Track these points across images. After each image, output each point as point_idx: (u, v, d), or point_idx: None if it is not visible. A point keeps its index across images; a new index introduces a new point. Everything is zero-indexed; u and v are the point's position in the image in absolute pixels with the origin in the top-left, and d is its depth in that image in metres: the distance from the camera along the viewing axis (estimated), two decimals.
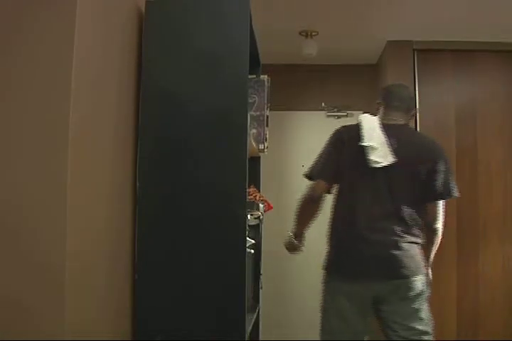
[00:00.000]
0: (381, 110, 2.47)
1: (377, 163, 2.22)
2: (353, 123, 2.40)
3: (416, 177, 2.28)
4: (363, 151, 2.24)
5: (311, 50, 3.78)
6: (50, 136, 1.39)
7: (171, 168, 1.88)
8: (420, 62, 3.92)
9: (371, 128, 2.30)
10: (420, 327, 2.29)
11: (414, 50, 3.92)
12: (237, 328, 1.84)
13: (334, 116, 4.52)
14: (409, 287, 2.23)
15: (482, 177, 3.80)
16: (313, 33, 3.77)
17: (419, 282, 2.26)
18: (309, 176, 2.40)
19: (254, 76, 2.55)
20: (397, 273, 2.21)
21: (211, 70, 1.90)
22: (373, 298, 2.27)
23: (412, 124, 3.83)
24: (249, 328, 2.05)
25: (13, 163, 1.39)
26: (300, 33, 3.79)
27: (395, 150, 2.25)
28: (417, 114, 3.86)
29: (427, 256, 2.39)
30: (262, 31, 2.60)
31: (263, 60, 2.66)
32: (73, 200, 1.41)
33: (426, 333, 2.31)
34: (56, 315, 1.36)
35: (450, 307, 3.73)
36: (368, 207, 2.27)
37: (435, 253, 2.47)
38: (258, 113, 2.53)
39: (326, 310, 2.35)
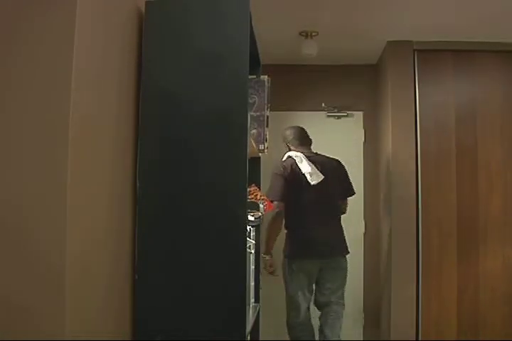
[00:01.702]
0: (293, 147, 3.61)
1: (314, 181, 3.39)
2: (289, 159, 3.50)
3: (335, 185, 3.54)
4: (303, 176, 3.40)
5: (311, 51, 3.77)
6: (50, 136, 1.39)
7: (171, 168, 1.88)
8: (420, 63, 3.91)
9: (301, 161, 3.44)
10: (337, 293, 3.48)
11: (414, 50, 3.91)
12: (237, 328, 1.84)
13: (334, 116, 4.51)
14: (337, 262, 3.46)
15: (482, 177, 3.80)
16: (313, 34, 3.77)
17: (344, 260, 3.50)
18: (271, 200, 3.18)
19: (255, 76, 2.55)
20: (330, 253, 3.43)
21: (211, 70, 1.90)
22: (318, 269, 3.44)
23: (412, 125, 3.85)
24: (249, 328, 2.04)
25: (13, 163, 1.39)
26: (300, 34, 3.79)
27: (321, 171, 3.44)
28: (417, 115, 3.87)
29: None
30: (262, 31, 2.60)
31: (263, 60, 2.66)
32: (73, 200, 1.41)
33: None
34: (56, 315, 1.36)
35: (450, 307, 3.73)
36: (311, 209, 3.43)
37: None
38: (258, 113, 2.53)
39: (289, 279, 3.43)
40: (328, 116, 4.51)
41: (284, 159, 3.55)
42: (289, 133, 3.65)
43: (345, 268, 3.51)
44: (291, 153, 3.53)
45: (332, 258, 3.46)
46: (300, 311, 3.42)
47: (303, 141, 3.63)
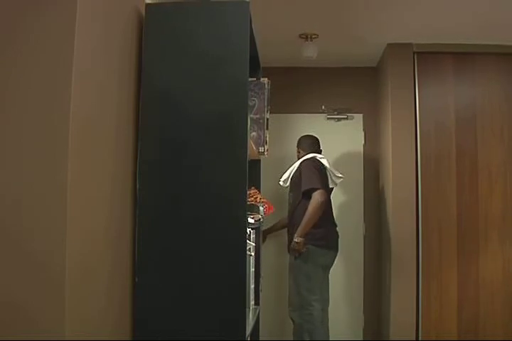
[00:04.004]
0: (303, 153, 3.83)
1: (332, 185, 3.76)
2: (318, 159, 3.74)
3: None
4: (327, 176, 3.71)
5: (311, 53, 3.78)
6: (50, 136, 1.40)
7: (171, 170, 1.89)
8: (420, 65, 3.92)
9: (327, 163, 3.76)
10: None
11: (414, 52, 3.92)
12: (238, 331, 1.84)
13: (334, 118, 4.52)
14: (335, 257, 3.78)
15: (482, 178, 3.80)
16: (314, 36, 3.77)
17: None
18: (316, 187, 3.54)
19: (255, 79, 2.56)
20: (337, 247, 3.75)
21: (211, 73, 1.90)
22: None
23: (412, 127, 3.86)
24: (249, 331, 2.05)
25: (13, 164, 1.39)
26: (300, 36, 3.79)
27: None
28: (417, 117, 3.88)
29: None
30: (262, 34, 2.61)
31: (263, 62, 2.67)
32: (73, 200, 1.41)
33: None
34: (56, 316, 1.37)
35: (450, 307, 3.73)
36: (330, 208, 3.74)
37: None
38: (258, 116, 2.54)
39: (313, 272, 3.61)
40: (328, 118, 4.51)
41: (308, 157, 3.74)
42: (304, 141, 3.92)
43: None
44: (315, 155, 3.77)
45: (336, 253, 3.75)
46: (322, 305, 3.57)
47: (315, 149, 3.86)
